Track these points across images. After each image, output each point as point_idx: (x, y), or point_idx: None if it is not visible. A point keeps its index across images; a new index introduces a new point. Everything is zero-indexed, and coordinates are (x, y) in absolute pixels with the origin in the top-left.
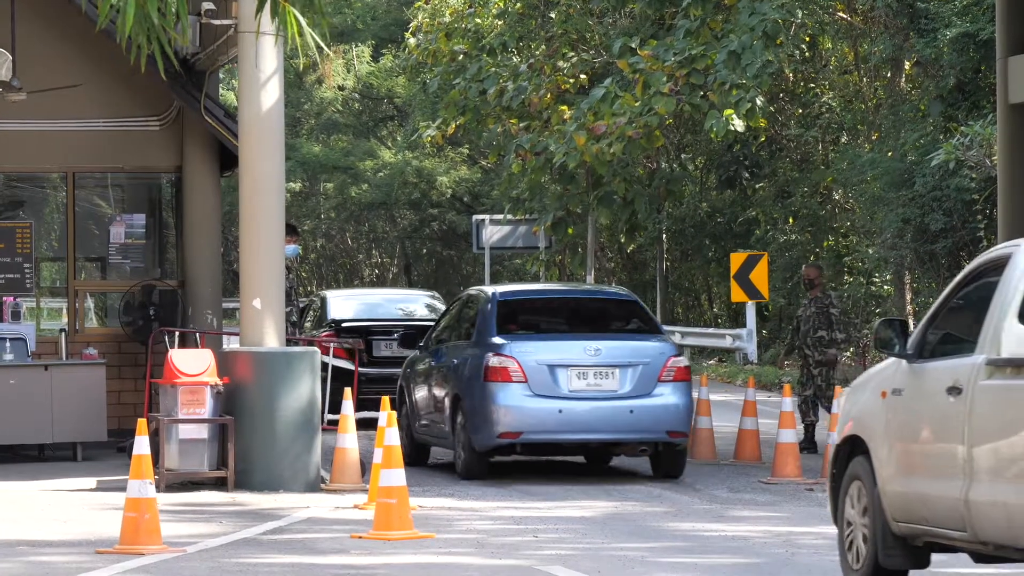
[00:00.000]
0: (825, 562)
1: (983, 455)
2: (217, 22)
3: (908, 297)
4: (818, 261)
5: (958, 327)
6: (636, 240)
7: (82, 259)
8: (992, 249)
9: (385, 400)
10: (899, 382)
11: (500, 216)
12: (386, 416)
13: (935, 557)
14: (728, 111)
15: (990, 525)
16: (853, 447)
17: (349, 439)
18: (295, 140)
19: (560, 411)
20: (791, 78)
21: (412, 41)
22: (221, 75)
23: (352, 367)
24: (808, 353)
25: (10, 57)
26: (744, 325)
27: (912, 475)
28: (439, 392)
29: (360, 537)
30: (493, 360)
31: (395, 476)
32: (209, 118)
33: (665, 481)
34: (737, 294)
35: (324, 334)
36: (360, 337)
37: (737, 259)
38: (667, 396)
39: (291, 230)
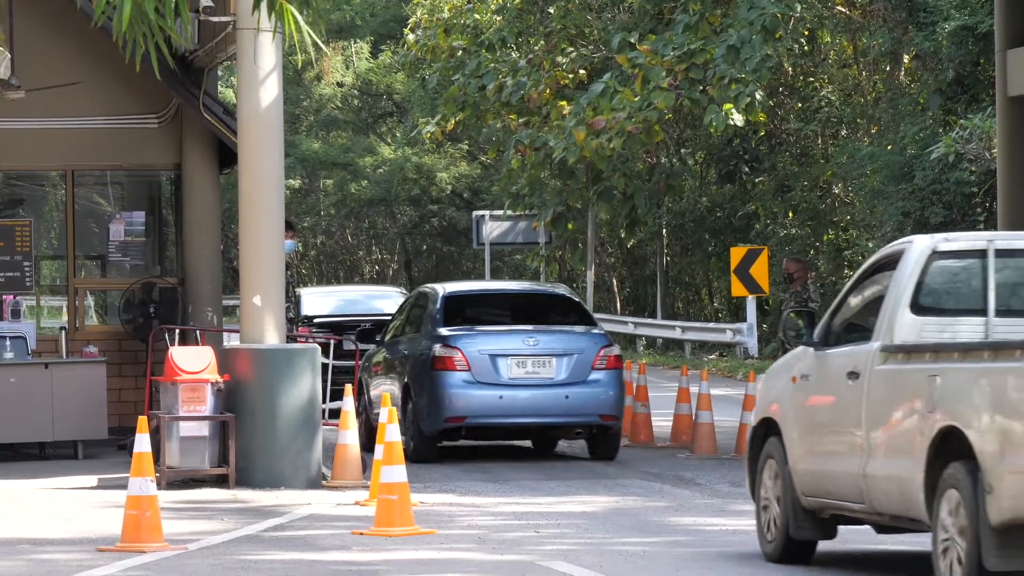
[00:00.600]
0: (827, 555)
1: (877, 433)
2: (216, 19)
3: None
4: (797, 255)
5: (858, 317)
6: (636, 235)
7: (82, 257)
8: (888, 246)
9: (386, 396)
10: (806, 368)
11: (500, 212)
12: (386, 412)
13: (841, 529)
14: (727, 105)
15: (885, 497)
16: (768, 429)
17: (350, 435)
18: (294, 137)
19: (501, 397)
20: (790, 72)
21: (411, 37)
22: (220, 72)
23: (326, 361)
24: (788, 348)
25: (9, 55)
26: (745, 319)
27: (818, 453)
28: (392, 382)
29: (361, 533)
30: (439, 351)
31: (396, 472)
32: (208, 115)
33: (661, 477)
34: (737, 288)
35: (298, 330)
36: (330, 332)
37: (737, 253)
38: (600, 383)
39: (288, 226)
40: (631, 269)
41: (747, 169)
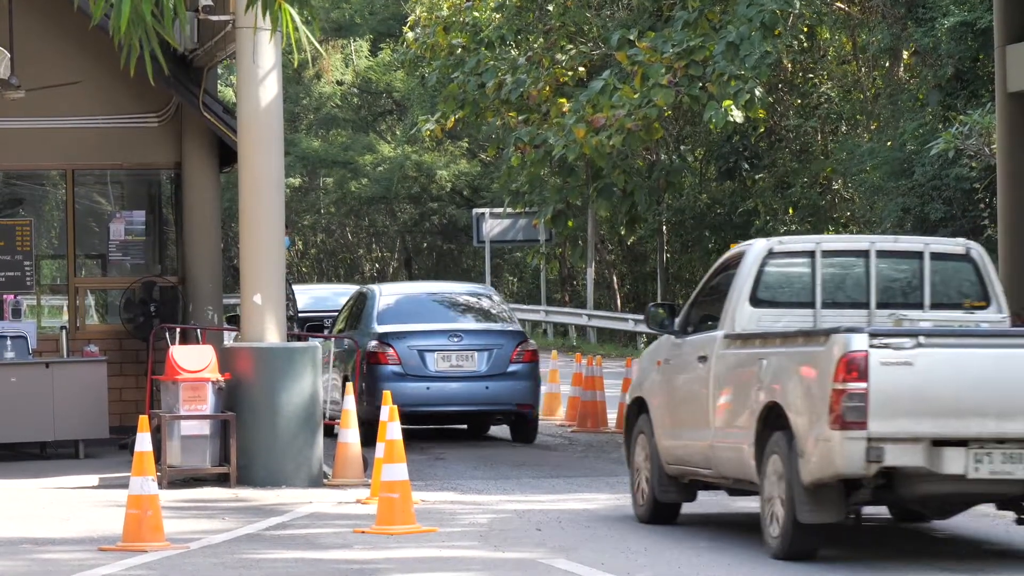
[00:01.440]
0: (831, 552)
1: (720, 409)
2: (215, 18)
3: None
4: None
5: (709, 309)
6: (636, 232)
7: (82, 256)
8: (733, 248)
9: (387, 395)
10: (668, 354)
11: (500, 209)
12: (387, 411)
13: (701, 493)
14: (727, 102)
15: (726, 464)
16: (639, 407)
17: (351, 434)
18: (294, 135)
19: (428, 388)
20: (790, 69)
21: (410, 35)
22: (220, 71)
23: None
24: None
25: (8, 55)
26: None
27: (676, 427)
28: (337, 373)
29: (363, 532)
30: (374, 346)
31: (397, 471)
32: (208, 114)
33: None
34: None
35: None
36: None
37: None
38: (517, 375)
39: None
40: (631, 266)
41: (747, 166)
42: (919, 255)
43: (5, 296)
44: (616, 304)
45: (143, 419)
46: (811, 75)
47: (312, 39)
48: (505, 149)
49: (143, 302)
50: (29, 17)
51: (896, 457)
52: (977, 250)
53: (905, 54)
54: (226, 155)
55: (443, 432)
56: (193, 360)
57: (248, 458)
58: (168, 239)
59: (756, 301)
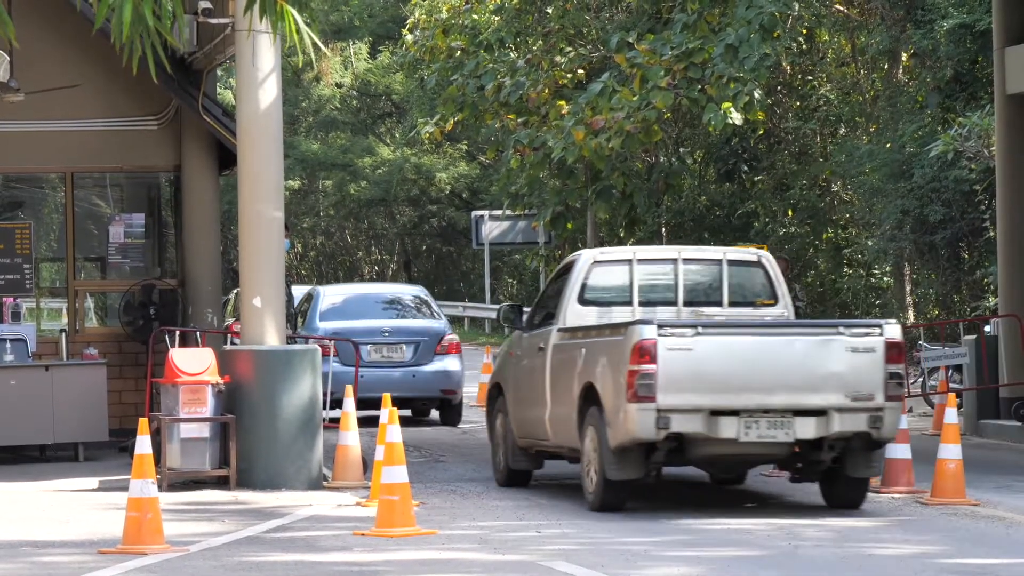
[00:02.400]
0: (828, 554)
1: (553, 390)
2: (214, 21)
3: (908, 288)
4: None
5: (549, 308)
6: (635, 234)
7: (81, 259)
8: (568, 256)
9: (386, 397)
10: (518, 346)
11: (499, 212)
12: (387, 413)
13: (548, 462)
14: (726, 104)
15: (559, 435)
16: (498, 391)
17: (351, 436)
18: (293, 138)
19: (362, 376)
20: (789, 71)
21: (409, 38)
22: (219, 73)
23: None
24: None
25: (8, 58)
26: None
27: (524, 406)
28: None
29: (363, 534)
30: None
31: (397, 473)
32: (207, 117)
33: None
34: None
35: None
36: None
37: None
38: (442, 364)
39: None
40: None
41: (746, 168)
42: (719, 262)
43: (4, 299)
44: None
45: (143, 422)
46: (810, 77)
47: (315, 39)
48: (504, 151)
49: (143, 305)
50: (28, 20)
51: (681, 424)
52: (767, 258)
53: (904, 56)
54: (225, 158)
55: (442, 435)
56: (193, 363)
57: (248, 461)
58: (167, 242)
59: (583, 301)
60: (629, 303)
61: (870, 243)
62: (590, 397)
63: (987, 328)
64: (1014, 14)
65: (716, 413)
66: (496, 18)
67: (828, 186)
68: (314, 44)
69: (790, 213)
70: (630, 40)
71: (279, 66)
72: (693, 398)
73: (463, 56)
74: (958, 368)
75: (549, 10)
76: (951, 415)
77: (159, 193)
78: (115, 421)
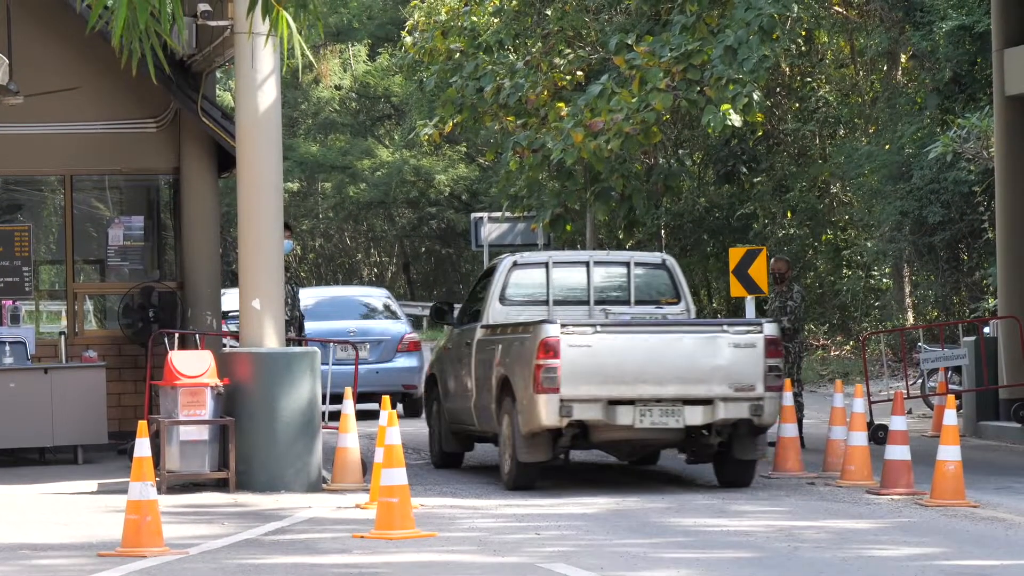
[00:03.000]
0: (828, 556)
1: (477, 381)
2: (213, 23)
3: (907, 290)
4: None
5: (477, 307)
6: (634, 236)
7: (81, 261)
8: (493, 261)
9: (386, 399)
10: (449, 341)
11: (498, 214)
12: (387, 415)
13: (479, 445)
14: (725, 106)
15: (484, 421)
16: (433, 382)
17: (350, 439)
18: (292, 140)
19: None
20: (787, 72)
21: (408, 40)
22: (218, 76)
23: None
24: None
25: (7, 61)
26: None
27: (453, 396)
28: None
29: (362, 537)
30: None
31: (397, 475)
32: (206, 119)
33: (661, 478)
34: (736, 289)
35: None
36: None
37: (736, 254)
38: (403, 361)
39: (284, 227)
40: None
41: (745, 169)
42: (627, 264)
43: (4, 302)
44: None
45: (142, 424)
46: (809, 79)
47: (304, 48)
48: (503, 153)
49: (142, 307)
50: (27, 23)
51: (582, 413)
52: (670, 261)
53: (903, 58)
54: (225, 160)
55: None
56: (192, 365)
57: (247, 463)
58: (167, 244)
59: (504, 301)
60: (545, 303)
61: (869, 244)
62: (506, 388)
63: (986, 329)
64: (1013, 16)
65: (613, 403)
66: (495, 20)
67: (827, 188)
68: (305, 52)
69: (789, 215)
70: (629, 42)
71: (278, 68)
72: (592, 389)
73: (462, 58)
74: (957, 369)
75: (548, 12)
76: (950, 416)
77: (158, 195)
78: (114, 424)
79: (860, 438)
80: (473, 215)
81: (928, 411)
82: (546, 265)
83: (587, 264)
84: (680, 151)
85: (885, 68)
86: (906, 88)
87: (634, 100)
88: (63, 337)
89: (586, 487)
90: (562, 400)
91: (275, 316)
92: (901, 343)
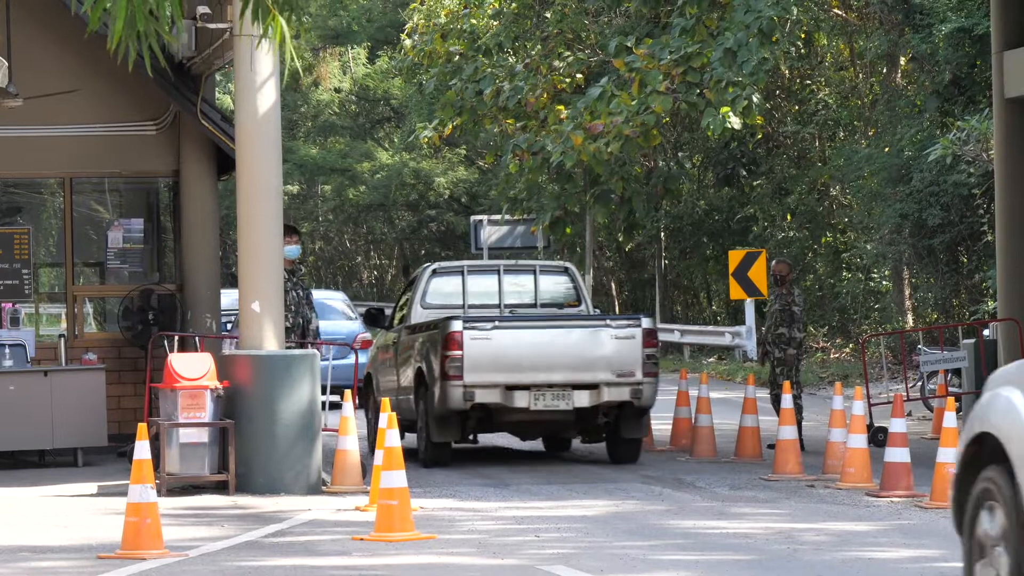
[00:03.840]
0: (827, 558)
1: (400, 374)
2: (212, 26)
3: (907, 292)
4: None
5: (403, 311)
6: (634, 238)
7: (80, 264)
8: (419, 269)
9: (385, 402)
10: (381, 341)
11: (498, 216)
12: (386, 418)
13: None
14: (724, 109)
15: (407, 411)
16: (369, 379)
17: (350, 441)
18: (292, 143)
19: None
20: (787, 75)
21: (408, 42)
22: (218, 78)
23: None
24: (769, 350)
25: (6, 63)
26: (743, 322)
27: (384, 389)
28: None
29: (362, 539)
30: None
31: (396, 478)
32: (206, 122)
33: (660, 481)
34: (736, 291)
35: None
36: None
37: (735, 256)
38: (356, 359)
39: (291, 231)
40: (629, 273)
41: (745, 172)
42: (533, 271)
43: (3, 304)
44: (615, 310)
45: (142, 427)
46: (809, 81)
47: (295, 55)
48: (503, 156)
49: (141, 310)
50: (27, 25)
51: (483, 397)
52: (572, 269)
53: (902, 60)
54: (224, 163)
55: None
56: (191, 368)
57: (247, 466)
58: (166, 247)
59: (425, 305)
60: (461, 306)
61: (869, 247)
62: (421, 378)
63: (986, 332)
64: (1012, 18)
65: (511, 388)
66: (495, 23)
67: (827, 190)
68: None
69: (789, 217)
70: (629, 44)
71: (278, 71)
72: (492, 376)
73: (462, 61)
74: (957, 372)
75: (548, 14)
76: (950, 419)
77: (158, 198)
78: (114, 426)
79: (860, 440)
80: (473, 218)
81: (928, 413)
82: (462, 273)
83: (498, 271)
84: (680, 154)
85: (884, 71)
86: (906, 90)
87: (634, 103)
88: (63, 340)
89: (585, 489)
90: (465, 386)
91: (274, 318)
92: (901, 346)
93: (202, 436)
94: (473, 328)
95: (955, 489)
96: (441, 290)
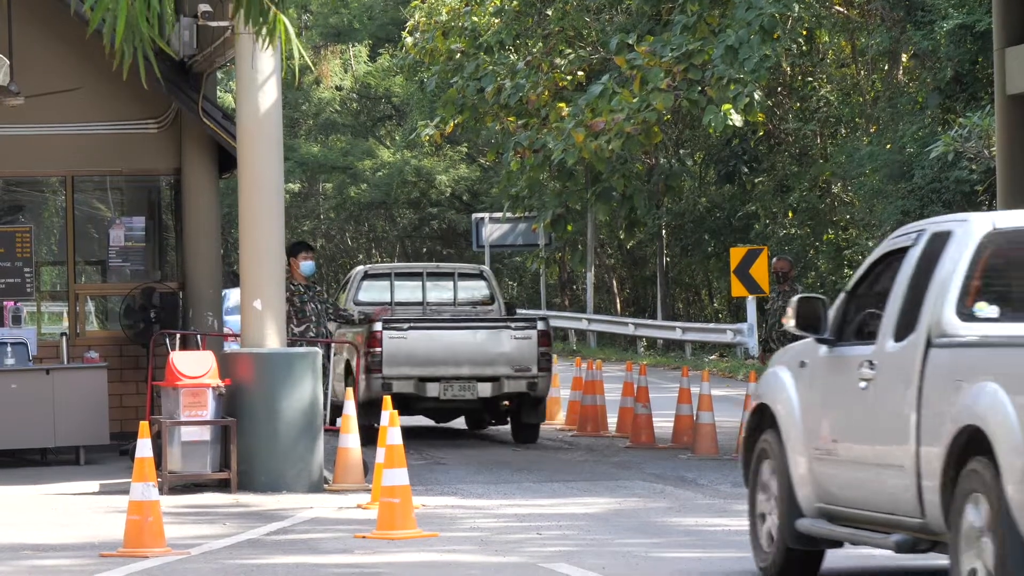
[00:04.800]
0: (834, 556)
1: (334, 370)
2: (214, 24)
3: None
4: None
5: (345, 311)
6: (635, 236)
7: (82, 262)
8: (349, 272)
9: (387, 400)
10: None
11: (500, 214)
12: (388, 416)
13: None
14: (726, 106)
15: (337, 399)
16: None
17: (351, 439)
18: (293, 141)
19: None
20: (789, 72)
21: (409, 40)
22: (219, 76)
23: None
24: (773, 347)
25: (8, 62)
26: (745, 320)
27: (339, 382)
28: None
29: (364, 537)
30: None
31: (398, 475)
32: (207, 120)
33: (662, 478)
34: (737, 289)
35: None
36: None
37: (737, 254)
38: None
39: (306, 247)
40: (631, 270)
41: (746, 169)
42: (452, 275)
43: (5, 303)
44: (616, 308)
45: (144, 425)
46: (810, 78)
47: (303, 53)
48: (504, 154)
49: (143, 308)
50: (28, 24)
51: (399, 388)
52: (487, 271)
53: (904, 57)
54: (225, 161)
55: (444, 435)
56: (193, 366)
57: (249, 463)
58: (168, 245)
59: (358, 303)
60: (390, 304)
61: (871, 244)
62: (350, 371)
63: None
64: (1014, 14)
65: (423, 380)
66: (496, 20)
67: (828, 187)
68: (304, 55)
69: (790, 214)
70: (630, 42)
71: (279, 69)
72: (406, 370)
73: (463, 58)
74: None
75: (549, 12)
76: None
77: (159, 196)
78: (116, 424)
79: None
80: (474, 215)
81: None
82: (390, 276)
83: (422, 275)
84: (681, 151)
85: (886, 67)
86: (907, 87)
87: (635, 100)
88: (64, 338)
89: (587, 487)
90: (383, 378)
91: (276, 317)
92: None
93: (204, 434)
94: (392, 328)
95: (744, 449)
96: (371, 291)
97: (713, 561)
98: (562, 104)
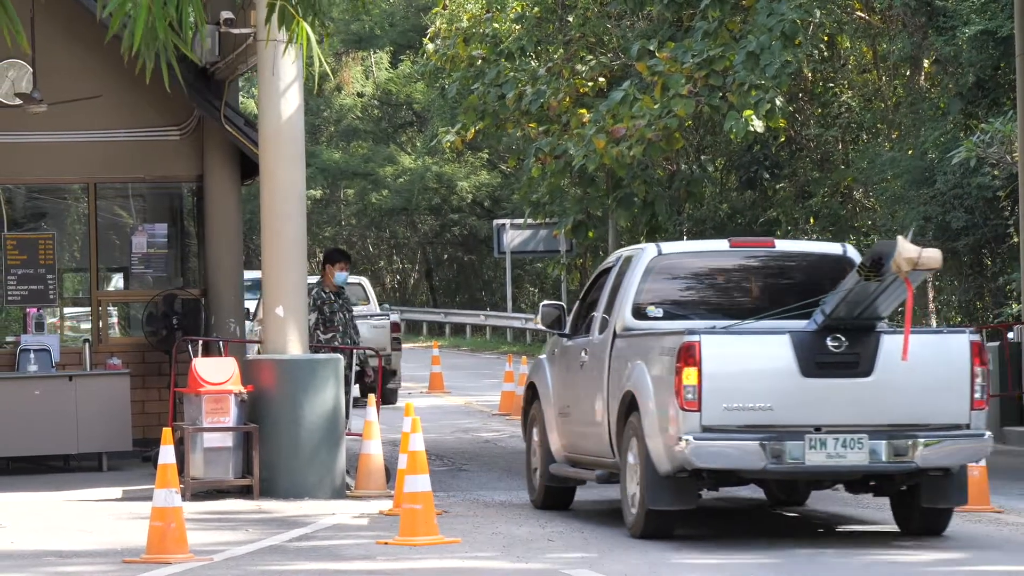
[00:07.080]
0: (851, 561)
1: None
2: (236, 31)
3: (930, 295)
4: None
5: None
6: (656, 241)
7: (105, 269)
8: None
9: (409, 406)
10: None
11: (520, 220)
12: (410, 422)
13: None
14: (747, 112)
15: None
16: None
17: (374, 445)
18: (315, 147)
19: None
20: (810, 78)
21: (430, 47)
22: (241, 83)
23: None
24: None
25: (30, 69)
26: None
27: None
28: None
29: (386, 543)
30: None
31: (420, 482)
32: (229, 127)
33: None
34: None
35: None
36: None
37: None
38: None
39: (344, 255)
40: None
41: (767, 175)
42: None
43: (28, 309)
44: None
45: (166, 431)
46: (831, 84)
47: (322, 59)
48: (525, 160)
49: (165, 315)
50: (51, 31)
51: None
52: (364, 281)
53: (926, 63)
54: (248, 167)
55: (465, 443)
56: (216, 372)
57: (271, 470)
58: (190, 252)
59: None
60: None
61: None
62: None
63: (1010, 335)
64: None
65: None
66: (517, 27)
67: (850, 193)
68: (323, 64)
69: (812, 220)
70: (651, 48)
71: (301, 76)
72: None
73: (484, 65)
74: None
75: (570, 18)
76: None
77: (181, 203)
78: (138, 431)
79: None
80: (495, 222)
81: None
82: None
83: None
84: (702, 157)
85: (908, 73)
86: (929, 93)
87: (656, 106)
88: (87, 345)
89: (607, 493)
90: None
91: (298, 323)
92: None
93: (226, 440)
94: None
95: (522, 417)
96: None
97: (735, 567)
98: (583, 110)
